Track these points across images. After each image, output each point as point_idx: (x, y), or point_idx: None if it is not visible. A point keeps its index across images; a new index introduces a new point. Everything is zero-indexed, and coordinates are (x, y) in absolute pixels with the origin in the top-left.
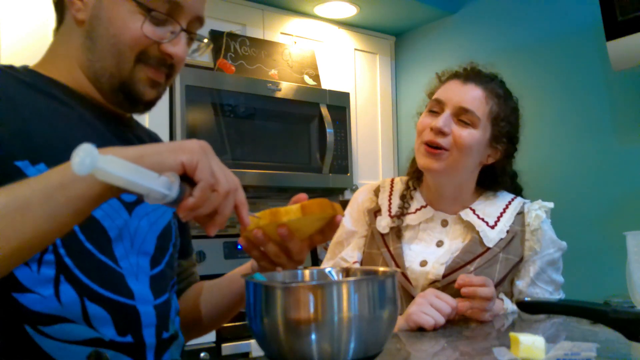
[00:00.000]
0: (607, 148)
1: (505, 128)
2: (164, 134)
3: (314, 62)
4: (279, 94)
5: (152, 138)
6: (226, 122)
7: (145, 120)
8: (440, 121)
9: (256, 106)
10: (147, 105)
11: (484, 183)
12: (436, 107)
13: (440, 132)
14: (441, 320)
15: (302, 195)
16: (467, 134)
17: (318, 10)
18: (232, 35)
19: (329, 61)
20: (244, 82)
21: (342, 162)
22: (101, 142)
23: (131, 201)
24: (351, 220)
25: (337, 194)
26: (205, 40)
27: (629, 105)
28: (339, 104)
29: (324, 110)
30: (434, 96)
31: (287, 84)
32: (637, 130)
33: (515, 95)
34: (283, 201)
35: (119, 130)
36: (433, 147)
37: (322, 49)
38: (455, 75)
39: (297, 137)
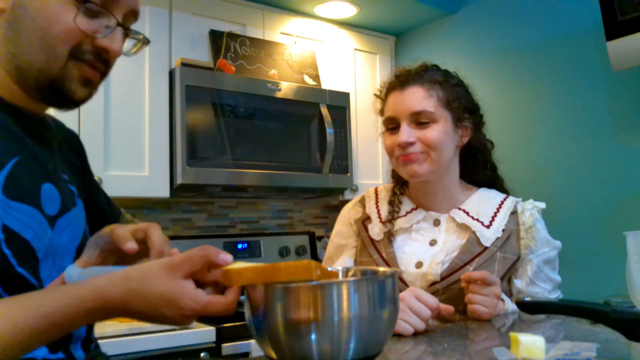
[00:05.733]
0: (607, 148)
1: (461, 105)
2: (164, 133)
3: (314, 62)
4: (279, 94)
5: (69, 138)
6: (226, 122)
7: (144, 120)
8: (402, 136)
9: (256, 106)
10: (77, 103)
11: (469, 172)
12: (392, 124)
13: (408, 144)
14: (420, 326)
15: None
16: (431, 133)
17: (318, 10)
18: (232, 35)
19: (329, 61)
20: (244, 82)
21: (342, 162)
22: (18, 147)
23: (53, 215)
24: (339, 236)
25: (337, 194)
26: (142, 37)
27: (629, 105)
28: (339, 104)
29: (324, 110)
30: (386, 115)
31: (287, 84)
32: (637, 130)
33: (454, 71)
34: (283, 201)
35: (36, 132)
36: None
37: (322, 49)
38: (392, 88)
39: (297, 137)
